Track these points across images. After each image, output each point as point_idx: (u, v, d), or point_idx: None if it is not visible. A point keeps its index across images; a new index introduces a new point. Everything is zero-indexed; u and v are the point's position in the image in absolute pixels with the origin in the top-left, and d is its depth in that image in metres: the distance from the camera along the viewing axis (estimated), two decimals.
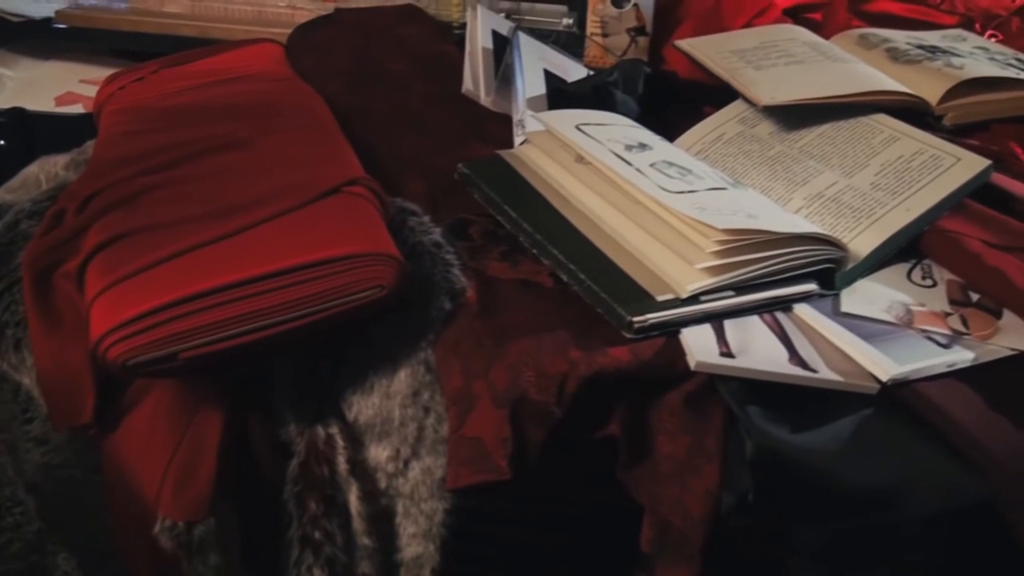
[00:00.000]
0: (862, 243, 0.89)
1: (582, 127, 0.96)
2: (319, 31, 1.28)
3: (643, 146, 0.94)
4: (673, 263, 0.81)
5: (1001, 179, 1.01)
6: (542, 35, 1.30)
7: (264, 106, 1.03)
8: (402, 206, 0.88)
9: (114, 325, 0.71)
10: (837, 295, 0.87)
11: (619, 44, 1.28)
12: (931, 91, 1.07)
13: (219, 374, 0.80)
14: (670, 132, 1.09)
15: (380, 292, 0.74)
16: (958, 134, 1.07)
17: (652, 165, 0.90)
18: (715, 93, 1.15)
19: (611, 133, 0.96)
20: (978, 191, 0.97)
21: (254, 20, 1.44)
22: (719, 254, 0.79)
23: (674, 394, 0.78)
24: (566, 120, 0.97)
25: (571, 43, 1.31)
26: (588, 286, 0.80)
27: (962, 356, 0.80)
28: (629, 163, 0.89)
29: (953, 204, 0.93)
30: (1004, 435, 0.75)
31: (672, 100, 1.20)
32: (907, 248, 0.92)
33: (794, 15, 1.44)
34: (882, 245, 0.89)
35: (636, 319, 0.76)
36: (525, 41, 1.17)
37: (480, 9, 1.24)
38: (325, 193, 0.82)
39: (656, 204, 0.84)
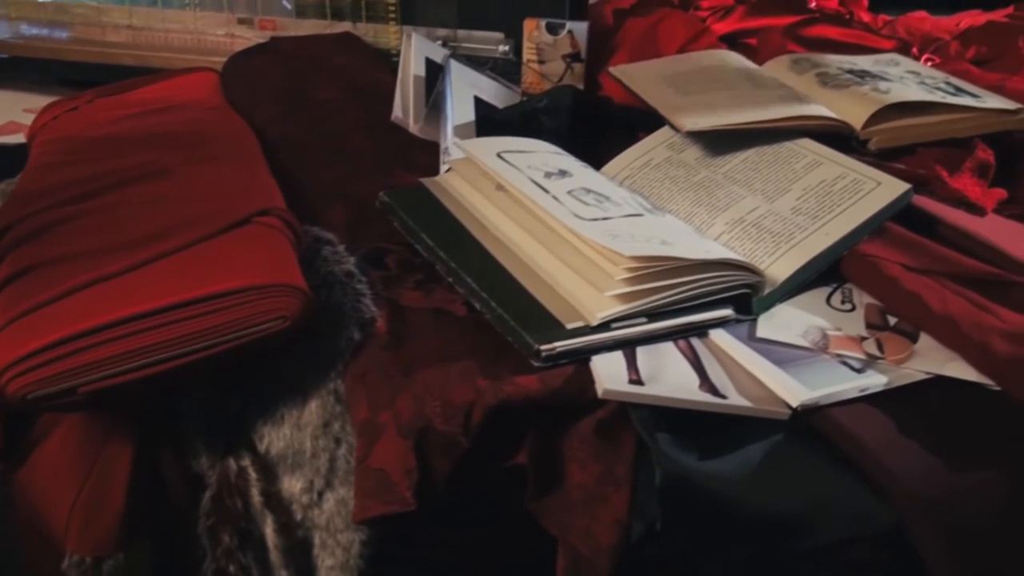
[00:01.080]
0: (780, 268, 0.89)
1: (504, 154, 0.96)
2: (253, 60, 1.28)
3: (563, 173, 0.94)
4: (584, 291, 0.81)
5: (926, 202, 1.02)
6: (479, 62, 1.30)
7: (189, 135, 1.03)
8: (317, 235, 0.88)
9: (13, 359, 0.71)
10: (755, 320, 0.87)
11: (555, 70, 1.29)
12: (856, 116, 1.07)
13: (127, 407, 0.79)
14: (602, 157, 1.09)
15: (283, 323, 0.74)
16: (885, 158, 1.07)
17: (570, 192, 0.90)
18: (649, 118, 1.15)
19: (532, 160, 0.96)
20: (903, 215, 0.98)
21: (194, 48, 1.44)
22: (629, 281, 0.79)
23: (586, 422, 0.77)
24: (488, 147, 0.97)
25: (508, 70, 1.31)
26: (499, 314, 0.80)
27: (875, 380, 0.80)
28: (546, 190, 0.89)
29: (874, 228, 0.93)
30: (913, 460, 0.75)
31: (606, 125, 1.20)
32: (829, 272, 0.92)
33: (732, 41, 1.45)
34: (800, 270, 0.89)
35: (544, 347, 0.76)
36: (457, 69, 1.17)
37: (415, 37, 1.24)
38: (235, 223, 0.82)
39: (568, 231, 0.84)
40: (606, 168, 1.07)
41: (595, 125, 1.19)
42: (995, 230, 1.01)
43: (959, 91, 1.15)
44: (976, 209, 1.04)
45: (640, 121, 1.17)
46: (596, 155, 1.10)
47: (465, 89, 1.14)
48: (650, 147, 1.09)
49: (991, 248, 0.96)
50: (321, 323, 0.79)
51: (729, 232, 0.94)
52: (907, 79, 1.19)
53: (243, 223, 0.82)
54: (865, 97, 1.10)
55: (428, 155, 1.07)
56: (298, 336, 0.76)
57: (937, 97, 1.11)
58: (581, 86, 1.29)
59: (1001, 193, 1.09)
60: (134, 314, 0.71)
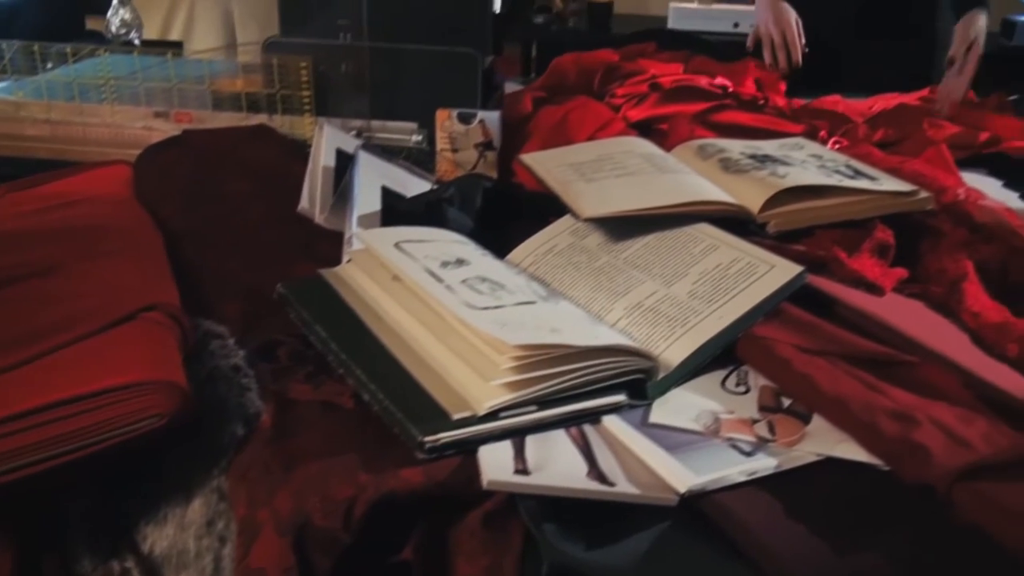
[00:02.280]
0: (675, 352, 0.90)
1: (402, 244, 0.96)
2: (166, 152, 1.29)
3: (460, 262, 0.95)
4: (472, 380, 0.81)
5: (825, 283, 1.04)
6: (392, 152, 1.32)
7: (88, 230, 1.02)
8: (207, 329, 0.87)
9: None
10: (649, 405, 0.87)
11: (468, 159, 1.30)
12: (754, 200, 1.09)
13: (5, 509, 0.77)
14: (513, 244, 1.10)
15: (159, 421, 0.73)
16: (784, 240, 1.09)
17: (464, 281, 0.90)
18: (559, 205, 1.16)
19: (430, 250, 0.96)
20: (803, 296, 0.99)
21: (111, 142, 1.45)
22: (516, 370, 0.79)
23: (474, 514, 0.76)
24: (387, 238, 0.98)
25: (422, 159, 1.33)
26: (385, 405, 0.79)
27: (764, 464, 0.80)
28: (440, 280, 0.90)
29: (768, 310, 0.94)
30: (800, 544, 0.75)
31: (518, 212, 1.21)
32: (726, 355, 0.93)
33: (646, 127, 1.48)
34: (694, 354, 0.90)
35: (428, 439, 0.76)
36: (366, 159, 1.18)
37: (327, 128, 1.25)
38: (120, 320, 0.81)
39: (457, 321, 0.84)
40: (512, 255, 1.08)
41: (506, 212, 1.20)
42: (893, 309, 1.03)
43: (857, 174, 1.18)
44: (875, 289, 1.05)
45: (551, 207, 1.18)
46: (506, 242, 1.11)
47: (373, 179, 1.15)
48: (554, 234, 1.10)
49: (887, 328, 0.97)
50: (205, 419, 0.78)
51: (627, 317, 0.95)
52: (808, 163, 1.21)
53: (128, 319, 0.81)
54: (763, 182, 1.12)
55: (333, 246, 1.07)
56: (179, 433, 0.75)
57: (834, 181, 1.13)
58: (494, 174, 1.31)
59: (901, 273, 1.11)
60: (5, 416, 0.70)
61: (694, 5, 3.79)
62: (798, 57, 2.04)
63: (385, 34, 1.35)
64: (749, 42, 2.13)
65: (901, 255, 1.14)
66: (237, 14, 4.10)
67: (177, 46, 3.23)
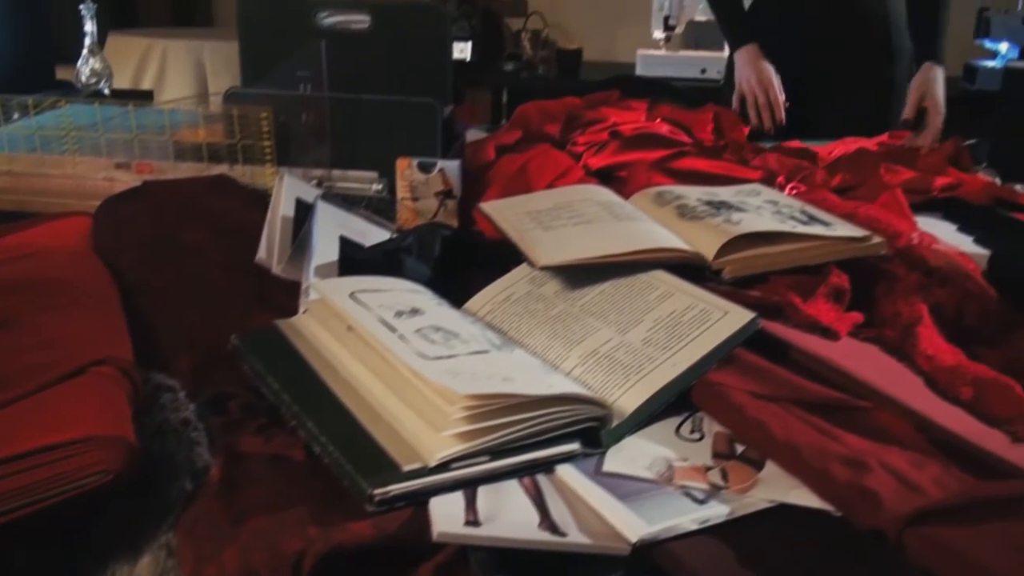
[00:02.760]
0: (629, 400, 0.90)
1: (357, 294, 0.97)
2: (125, 204, 1.28)
3: (415, 311, 0.95)
4: (424, 431, 0.80)
5: (780, 329, 1.04)
6: (353, 201, 1.32)
7: (42, 283, 1.02)
8: (159, 383, 0.87)
9: None
10: (603, 454, 0.87)
11: (429, 207, 1.31)
12: (709, 247, 1.10)
13: None
14: (472, 293, 1.11)
15: (105, 478, 0.72)
16: (740, 286, 1.10)
17: (417, 331, 0.90)
18: (518, 253, 1.17)
19: (385, 300, 0.96)
20: (758, 341, 1.00)
21: (73, 193, 1.44)
22: (467, 420, 0.79)
23: (426, 566, 0.75)
24: (342, 288, 0.98)
25: (383, 208, 1.33)
26: (336, 457, 0.79)
27: (717, 511, 0.80)
28: (393, 329, 0.90)
29: (722, 356, 0.95)
30: None
31: (476, 261, 1.22)
32: (681, 402, 0.93)
33: (607, 175, 1.49)
34: (648, 401, 0.90)
35: (377, 491, 0.75)
36: (324, 208, 1.19)
37: (287, 178, 1.26)
38: (70, 374, 0.81)
39: (409, 371, 0.84)
40: (469, 304, 1.09)
41: (466, 261, 1.20)
42: (848, 354, 1.04)
43: (812, 220, 1.19)
44: (829, 333, 1.06)
45: (510, 256, 1.19)
46: (465, 290, 1.11)
47: (331, 229, 1.15)
48: (512, 282, 1.10)
49: (842, 372, 0.98)
50: (153, 474, 0.77)
51: (582, 365, 0.95)
52: (764, 209, 1.23)
53: (78, 373, 0.81)
54: (717, 228, 1.13)
55: (290, 297, 1.07)
56: (127, 488, 0.74)
57: (787, 227, 1.15)
58: (455, 222, 1.32)
59: (856, 317, 1.12)
60: None
61: (661, 52, 3.84)
62: (781, 116, 2.09)
63: (345, 84, 1.36)
64: (734, 102, 2.17)
65: (857, 299, 1.15)
66: (209, 64, 4.13)
67: (147, 95, 3.24)
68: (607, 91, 1.91)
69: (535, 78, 3.99)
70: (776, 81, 2.09)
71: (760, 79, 2.08)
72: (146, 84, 4.21)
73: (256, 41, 1.46)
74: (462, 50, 4.00)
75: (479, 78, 4.04)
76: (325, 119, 1.32)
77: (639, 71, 3.79)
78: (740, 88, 2.15)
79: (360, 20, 1.42)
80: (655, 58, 3.82)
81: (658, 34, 3.83)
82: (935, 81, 2.04)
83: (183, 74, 4.17)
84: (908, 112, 2.03)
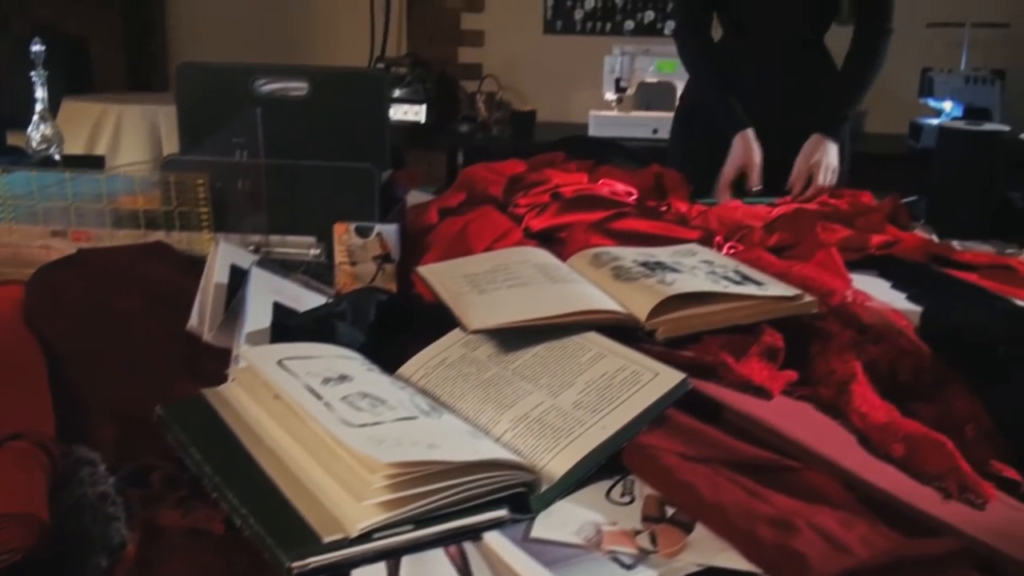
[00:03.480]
0: (558, 464, 0.90)
1: (285, 362, 0.96)
2: (58, 272, 1.27)
3: (343, 378, 0.94)
4: (346, 501, 0.79)
5: (713, 388, 1.05)
6: (291, 266, 1.32)
7: None
8: (80, 455, 0.85)
9: None
10: (532, 519, 0.86)
11: (367, 271, 1.31)
12: (642, 308, 1.11)
13: None
14: (405, 357, 1.10)
15: (14, 557, 0.70)
16: (673, 347, 1.10)
17: (344, 398, 0.90)
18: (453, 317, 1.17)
19: (313, 367, 0.96)
20: (691, 402, 1.00)
21: (8, 261, 1.43)
22: (389, 488, 0.78)
23: None
24: (270, 355, 0.97)
25: (321, 272, 1.33)
26: (256, 530, 0.78)
27: None
28: (320, 397, 0.89)
29: (652, 418, 0.95)
30: None
31: (413, 325, 1.21)
32: (612, 465, 0.93)
33: (548, 236, 1.50)
34: (577, 465, 0.90)
35: (295, 564, 0.74)
36: (258, 275, 1.18)
37: (222, 244, 1.25)
38: None
39: (332, 439, 0.83)
40: (403, 368, 1.08)
41: (403, 325, 1.20)
42: (780, 413, 1.04)
43: (745, 279, 1.20)
44: (763, 392, 1.07)
45: (447, 319, 1.19)
46: (401, 355, 1.11)
47: (265, 295, 1.15)
48: (446, 346, 1.10)
49: (773, 431, 0.98)
50: (68, 551, 0.75)
51: (513, 429, 0.95)
52: (698, 269, 1.24)
53: None
54: (651, 289, 1.14)
55: (222, 365, 1.06)
56: (40, 566, 0.73)
57: (719, 287, 1.16)
58: (393, 286, 1.31)
59: (790, 375, 1.12)
60: None
61: (614, 113, 3.89)
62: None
63: (284, 150, 1.37)
64: (724, 180, 2.20)
65: (792, 357, 1.16)
66: (164, 128, 4.12)
67: (99, 161, 3.22)
68: (552, 153, 1.93)
69: (490, 139, 4.02)
70: (759, 167, 2.14)
71: (747, 163, 2.14)
72: (100, 149, 4.19)
73: (194, 108, 1.46)
74: (416, 113, 4.04)
75: (434, 140, 4.07)
76: (261, 185, 1.32)
77: (592, 131, 3.84)
78: (731, 166, 2.18)
79: (298, 87, 1.43)
80: (607, 119, 3.87)
81: (610, 95, 3.89)
82: (821, 152, 2.09)
83: (138, 139, 4.16)
84: (792, 180, 2.09)
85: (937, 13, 4.04)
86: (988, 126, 1.74)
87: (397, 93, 4.08)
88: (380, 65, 4.15)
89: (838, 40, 2.28)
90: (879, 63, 2.21)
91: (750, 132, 2.16)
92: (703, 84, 2.31)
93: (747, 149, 2.15)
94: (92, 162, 3.05)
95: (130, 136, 4.17)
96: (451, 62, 4.43)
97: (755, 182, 2.13)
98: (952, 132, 1.75)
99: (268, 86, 1.42)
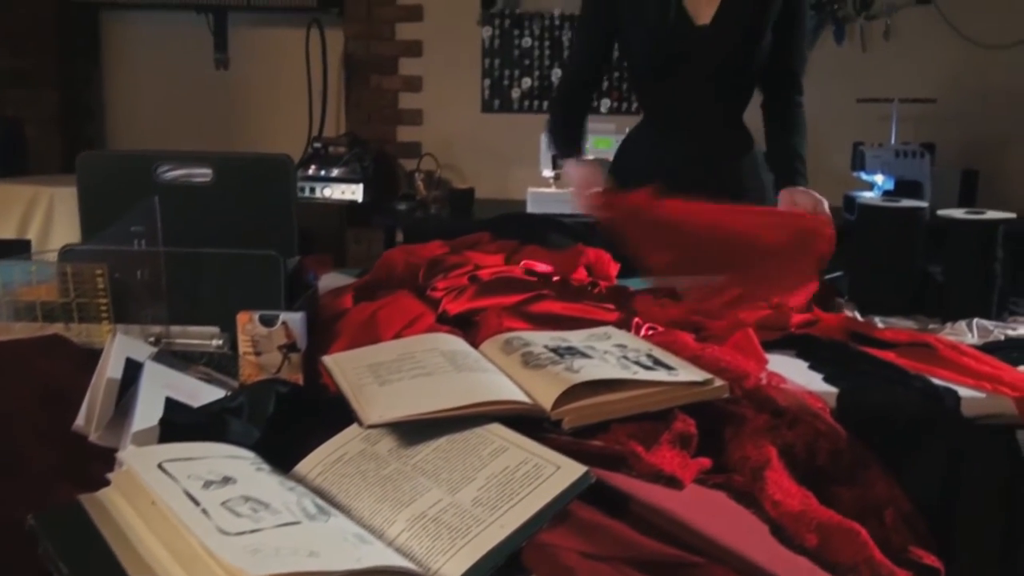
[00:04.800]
0: (453, 567, 0.85)
1: (166, 464, 0.91)
2: None
3: (226, 480, 0.90)
4: None
5: (620, 479, 1.01)
6: (194, 358, 1.27)
7: None
8: None
9: None
10: None
11: (272, 362, 1.26)
12: (547, 396, 1.07)
13: None
14: (305, 452, 1.06)
15: None
16: (582, 436, 1.07)
17: (225, 503, 0.85)
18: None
19: (195, 468, 0.91)
20: (598, 495, 0.96)
21: None
22: None
23: None
24: (150, 457, 0.92)
25: (225, 364, 1.28)
26: None
27: None
28: (198, 503, 0.84)
29: (553, 514, 0.91)
30: None
31: (318, 418, 1.17)
32: (512, 565, 0.89)
33: (466, 320, 1.47)
34: (473, 567, 0.85)
35: None
36: (152, 368, 1.14)
37: (119, 337, 1.20)
38: None
39: (204, 550, 0.78)
40: (300, 465, 1.03)
41: (307, 418, 1.16)
42: (691, 504, 1.01)
43: (656, 364, 1.18)
44: (673, 482, 1.04)
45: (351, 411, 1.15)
46: (301, 450, 1.06)
47: (158, 390, 1.10)
48: (345, 440, 1.06)
49: (680, 524, 0.95)
50: None
51: (410, 529, 0.90)
52: (610, 354, 1.21)
53: None
54: (557, 377, 1.11)
55: (108, 468, 1.01)
56: None
57: (627, 374, 1.13)
58: (299, 376, 1.27)
59: (704, 463, 1.10)
60: None
61: (551, 189, 3.91)
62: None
63: (188, 238, 1.33)
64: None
65: (706, 443, 1.13)
66: None
67: (26, 245, 3.16)
68: (477, 234, 1.91)
69: (428, 217, 4.01)
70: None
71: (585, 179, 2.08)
72: (32, 231, 4.12)
73: (96, 197, 1.42)
74: (354, 192, 4.02)
75: (371, 219, 4.05)
76: (160, 275, 1.28)
77: (530, 208, 3.85)
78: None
79: (202, 173, 1.40)
80: (544, 195, 3.88)
81: (547, 172, 3.91)
82: (799, 194, 2.04)
83: (71, 221, 4.08)
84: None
85: (866, 89, 4.14)
86: (906, 202, 1.75)
87: (334, 172, 4.07)
88: (317, 145, 4.14)
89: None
90: (805, 130, 2.22)
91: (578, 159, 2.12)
92: (561, 149, 2.30)
93: (584, 171, 2.10)
94: (19, 246, 2.98)
95: (62, 219, 4.10)
96: (390, 141, 4.43)
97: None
98: (870, 209, 1.75)
99: (171, 173, 1.38)
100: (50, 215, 4.11)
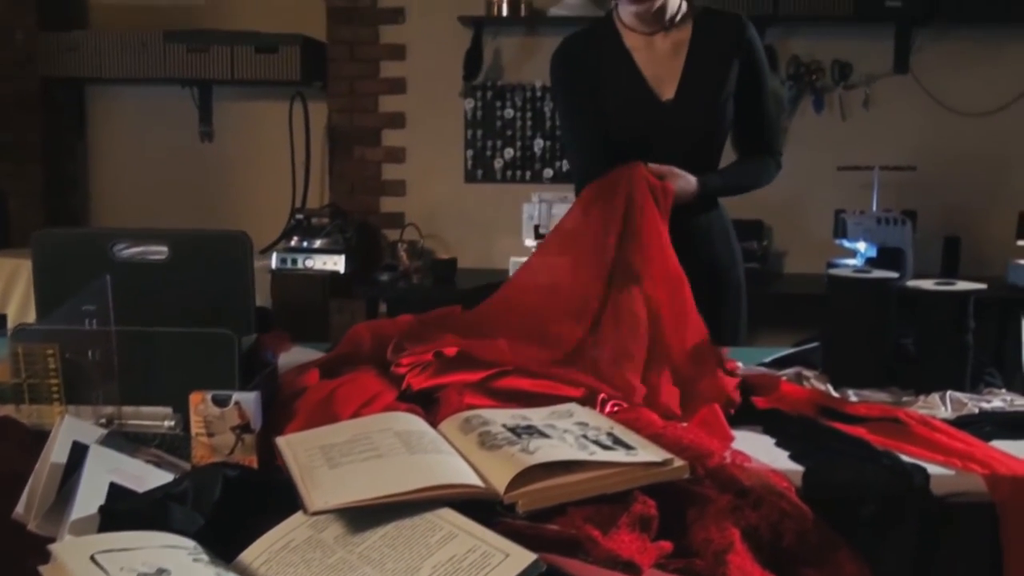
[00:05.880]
0: None
1: (99, 556, 0.88)
2: None
3: (160, 572, 0.87)
4: None
5: (574, 566, 0.98)
6: (146, 440, 1.24)
7: None
8: None
9: None
10: None
11: (225, 443, 1.23)
12: (500, 479, 1.05)
13: None
14: (255, 538, 1.02)
15: None
16: (538, 520, 1.04)
17: None
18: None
19: (130, 560, 0.88)
20: None
21: None
22: None
23: None
24: (83, 548, 0.89)
25: (177, 444, 1.25)
26: None
27: None
28: None
29: None
30: None
31: (270, 502, 1.14)
32: None
33: (428, 396, 1.44)
34: None
35: None
36: (97, 452, 1.10)
37: (67, 419, 1.17)
38: None
39: None
40: (245, 553, 1.00)
41: (257, 502, 1.12)
42: None
43: (616, 444, 1.15)
44: (631, 568, 1.00)
45: None
46: (251, 536, 1.03)
47: (102, 475, 1.07)
48: (292, 527, 1.02)
49: None
50: None
51: None
52: (569, 433, 1.18)
53: None
54: (512, 459, 1.08)
55: (46, 558, 0.97)
56: None
57: (584, 455, 1.10)
58: (254, 457, 1.24)
59: (665, 546, 1.06)
60: None
61: None
62: None
63: (143, 317, 1.31)
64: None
65: (668, 525, 1.10)
66: None
67: (1, 320, 3.13)
68: (448, 307, 1.89)
69: (411, 288, 4.00)
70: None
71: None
72: (14, 304, 4.10)
73: (52, 275, 1.41)
74: (336, 263, 4.01)
75: (353, 290, 4.03)
76: (112, 354, 1.26)
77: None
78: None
79: (158, 251, 1.38)
80: None
81: (529, 242, 3.90)
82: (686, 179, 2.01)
83: None
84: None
85: (847, 157, 4.16)
86: (876, 273, 1.74)
87: (316, 243, 4.06)
88: (299, 216, 4.14)
89: None
90: (765, 173, 2.21)
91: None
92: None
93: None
94: None
95: None
96: (374, 212, 4.43)
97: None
98: (840, 281, 1.74)
99: (127, 251, 1.37)
100: (30, 289, 4.09)
